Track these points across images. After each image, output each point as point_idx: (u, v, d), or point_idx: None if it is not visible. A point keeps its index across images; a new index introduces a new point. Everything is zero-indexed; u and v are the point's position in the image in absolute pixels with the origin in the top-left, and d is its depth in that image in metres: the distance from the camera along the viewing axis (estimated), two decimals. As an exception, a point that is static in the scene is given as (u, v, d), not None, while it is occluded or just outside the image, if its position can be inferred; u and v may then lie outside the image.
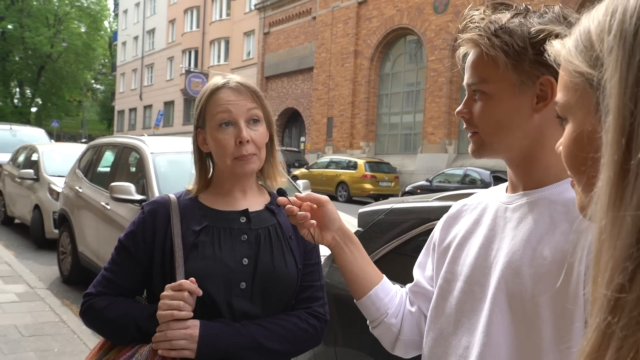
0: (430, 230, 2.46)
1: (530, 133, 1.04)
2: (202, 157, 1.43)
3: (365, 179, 18.67)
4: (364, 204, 16.46)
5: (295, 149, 27.19)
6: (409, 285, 1.33)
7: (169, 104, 44.34)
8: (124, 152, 6.23)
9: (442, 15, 21.41)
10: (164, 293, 1.26)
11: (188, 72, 33.20)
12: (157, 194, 5.04)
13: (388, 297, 1.26)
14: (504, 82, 1.02)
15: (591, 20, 0.60)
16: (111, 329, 1.37)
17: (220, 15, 38.67)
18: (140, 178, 5.56)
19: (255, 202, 1.44)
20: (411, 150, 23.08)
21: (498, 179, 15.60)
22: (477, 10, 1.07)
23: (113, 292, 1.39)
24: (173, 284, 1.26)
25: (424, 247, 1.33)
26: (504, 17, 1.03)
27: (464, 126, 1.12)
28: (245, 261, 1.34)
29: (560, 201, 1.02)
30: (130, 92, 51.63)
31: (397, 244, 2.41)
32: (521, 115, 1.03)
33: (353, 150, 24.60)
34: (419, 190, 16.82)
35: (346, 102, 25.23)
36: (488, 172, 16.05)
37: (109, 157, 6.85)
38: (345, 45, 25.53)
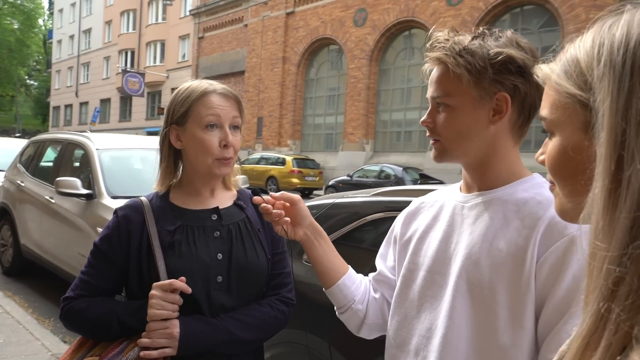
0: (369, 223, 2.54)
1: (486, 142, 1.07)
2: (170, 154, 1.36)
3: (293, 174, 18.67)
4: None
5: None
6: (372, 274, 1.34)
7: (105, 101, 42.09)
8: (68, 147, 5.85)
9: (361, 28, 21.74)
10: (154, 292, 1.21)
11: (125, 71, 31.63)
12: (103, 189, 4.80)
13: (354, 285, 1.27)
14: (465, 96, 1.04)
15: (578, 50, 0.62)
16: (94, 328, 1.30)
17: (156, 19, 37.10)
18: (85, 173, 5.27)
19: (223, 199, 1.40)
20: (333, 148, 23.31)
21: (419, 177, 16.07)
22: (441, 31, 1.08)
23: (91, 293, 1.33)
24: (162, 282, 1.22)
25: (385, 240, 1.34)
26: (465, 39, 1.05)
27: (427, 134, 1.13)
28: (220, 256, 1.31)
29: (511, 201, 1.05)
30: (66, 88, 48.50)
31: (340, 235, 2.44)
32: (479, 126, 1.05)
33: (281, 147, 24.52)
34: (340, 184, 17.04)
35: (275, 103, 25.06)
36: (401, 169, 16.51)
37: (52, 152, 6.42)
38: (274, 51, 25.33)
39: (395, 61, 21.38)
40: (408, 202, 2.34)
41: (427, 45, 1.09)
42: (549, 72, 0.66)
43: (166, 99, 35.18)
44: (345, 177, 17.72)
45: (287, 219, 1.20)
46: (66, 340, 4.39)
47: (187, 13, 33.07)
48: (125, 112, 40.20)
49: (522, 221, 1.02)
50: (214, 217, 1.35)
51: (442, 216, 1.16)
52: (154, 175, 5.27)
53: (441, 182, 3.59)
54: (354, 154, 21.67)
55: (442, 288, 1.09)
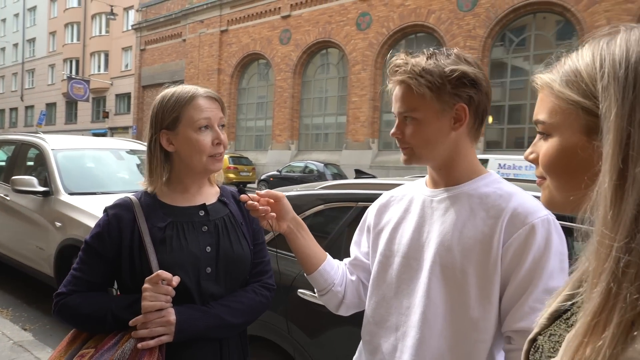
0: (318, 213, 2.50)
1: (450, 146, 1.06)
2: (161, 157, 1.25)
3: (230, 170, 18.16)
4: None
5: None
6: (347, 260, 1.31)
7: (51, 105, 38.52)
8: (22, 148, 5.25)
9: (286, 46, 21.59)
10: (146, 286, 1.12)
11: (70, 78, 29.06)
12: (60, 186, 4.37)
13: (333, 270, 1.23)
14: (429, 109, 1.03)
15: (577, 63, 0.61)
16: (89, 322, 1.18)
17: (100, 32, 34.44)
18: (40, 171, 4.77)
19: (208, 195, 1.31)
20: (263, 148, 23.02)
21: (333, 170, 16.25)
22: (395, 56, 1.07)
23: (83, 288, 1.21)
24: (151, 276, 1.12)
25: (357, 229, 1.31)
26: (421, 60, 1.03)
27: (398, 144, 1.11)
28: (208, 249, 1.23)
29: (476, 195, 1.05)
30: (11, 93, 43.75)
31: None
32: (443, 133, 1.05)
33: (218, 147, 23.84)
34: (271, 178, 16.90)
35: (212, 109, 24.29)
36: (322, 164, 16.64)
37: (2, 153, 5.76)
38: (210, 64, 24.49)
39: (315, 74, 21.47)
40: (347, 194, 2.33)
41: (389, 68, 1.07)
42: (550, 82, 0.64)
43: (111, 104, 32.93)
44: (275, 172, 17.56)
45: (273, 214, 1.15)
46: (26, 328, 3.96)
47: (130, 27, 31.10)
48: (71, 115, 37.09)
49: (487, 212, 1.02)
50: (202, 213, 1.27)
51: (413, 209, 1.14)
52: (108, 173, 4.91)
53: (373, 176, 3.69)
54: (281, 152, 21.53)
55: (417, 272, 1.08)
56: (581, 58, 0.61)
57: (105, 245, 1.20)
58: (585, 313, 0.53)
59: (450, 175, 1.09)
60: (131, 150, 5.46)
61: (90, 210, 3.98)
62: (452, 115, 1.03)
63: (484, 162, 11.33)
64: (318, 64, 21.39)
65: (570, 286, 0.68)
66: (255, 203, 1.14)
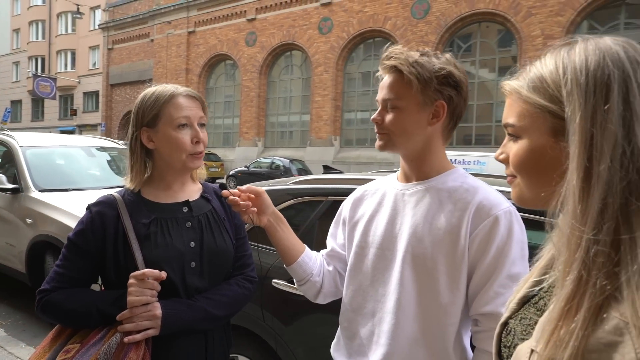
0: (288, 207, 2.47)
1: (424, 139, 1.06)
2: (142, 154, 1.20)
3: (199, 165, 17.81)
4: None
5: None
6: (324, 251, 1.29)
7: (16, 102, 36.20)
8: (-11, 145, 4.92)
9: (252, 47, 21.24)
10: (131, 281, 1.07)
11: (36, 76, 27.34)
12: (30, 183, 4.12)
13: (311, 261, 1.22)
14: (412, 100, 1.03)
15: (542, 70, 0.62)
16: (73, 318, 1.12)
17: (66, 30, 32.52)
18: (7, 168, 4.48)
19: (191, 192, 1.26)
20: (231, 145, 22.63)
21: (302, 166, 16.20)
22: (396, 46, 1.07)
23: (67, 284, 1.14)
24: (136, 273, 1.07)
25: (333, 222, 1.30)
26: (415, 55, 1.04)
27: (376, 129, 1.10)
28: (192, 244, 1.19)
29: (444, 189, 1.06)
30: (-26, 90, 40.98)
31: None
32: (420, 125, 1.05)
33: (187, 144, 23.21)
34: (240, 174, 16.64)
35: (180, 107, 23.58)
36: (288, 160, 16.54)
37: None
38: (178, 63, 23.72)
39: (280, 75, 21.26)
40: (317, 189, 2.31)
41: (384, 55, 1.06)
42: (518, 88, 0.65)
43: (79, 102, 31.34)
44: (243, 168, 17.29)
45: (254, 208, 1.13)
46: (-2, 324, 3.72)
47: (97, 27, 29.62)
48: (38, 112, 35.01)
49: (454, 205, 1.03)
50: (185, 209, 1.22)
51: (386, 202, 1.14)
52: (78, 170, 4.63)
53: (341, 172, 3.54)
54: (249, 149, 21.23)
55: (391, 261, 1.08)
56: (545, 66, 0.62)
57: (89, 242, 1.14)
58: (558, 299, 0.54)
59: (421, 169, 1.09)
60: (101, 147, 5.22)
61: (62, 207, 3.77)
62: (431, 110, 1.04)
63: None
64: (283, 65, 21.19)
65: (536, 273, 0.70)
66: (237, 198, 1.11)
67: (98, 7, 29.92)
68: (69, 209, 3.71)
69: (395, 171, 1.25)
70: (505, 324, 0.71)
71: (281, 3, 20.22)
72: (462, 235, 1.00)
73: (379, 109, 1.09)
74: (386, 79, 1.07)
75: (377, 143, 1.11)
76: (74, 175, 4.59)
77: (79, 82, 31.05)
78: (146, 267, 1.10)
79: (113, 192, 1.22)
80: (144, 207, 1.18)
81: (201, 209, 1.25)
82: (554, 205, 0.58)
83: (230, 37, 21.94)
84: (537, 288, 0.68)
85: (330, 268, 1.25)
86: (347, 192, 1.83)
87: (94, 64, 30.80)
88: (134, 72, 26.45)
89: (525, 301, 0.70)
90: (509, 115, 0.67)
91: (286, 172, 15.35)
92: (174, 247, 1.15)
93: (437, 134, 1.07)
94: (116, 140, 5.69)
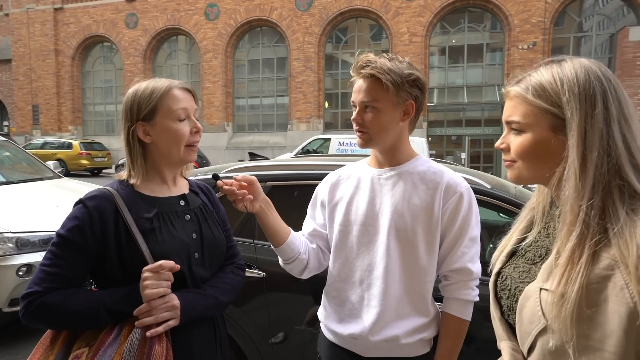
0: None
1: (397, 133, 1.17)
2: (139, 148, 1.16)
3: (82, 156, 16.24)
4: (83, 176, 14.46)
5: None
6: (305, 231, 1.34)
7: None
8: None
9: (133, 30, 19.83)
10: (146, 275, 1.03)
11: None
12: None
13: (297, 241, 1.27)
14: (388, 102, 1.13)
15: (541, 79, 0.72)
16: (77, 320, 1.03)
17: None
18: None
19: (182, 186, 1.26)
20: (115, 132, 20.95)
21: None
22: (363, 55, 1.16)
23: (62, 285, 1.04)
24: (152, 265, 1.04)
25: (310, 205, 1.36)
26: (385, 61, 1.12)
27: (356, 127, 1.17)
28: (194, 236, 1.18)
29: (415, 173, 1.18)
30: None
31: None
32: (395, 122, 1.15)
33: (62, 132, 20.84)
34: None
35: (51, 92, 20.95)
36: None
37: None
38: (44, 43, 20.93)
39: (166, 61, 20.39)
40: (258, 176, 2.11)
41: (358, 63, 1.14)
42: (523, 93, 0.74)
43: None
44: (133, 157, 16.35)
45: (250, 196, 1.17)
46: None
47: None
48: None
49: (426, 185, 1.16)
50: (182, 202, 1.21)
51: (363, 185, 1.23)
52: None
53: (267, 158, 3.23)
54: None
55: (374, 235, 1.17)
56: (542, 76, 0.72)
57: (87, 238, 1.05)
58: (565, 249, 0.65)
59: (394, 157, 1.20)
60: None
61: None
62: (403, 108, 1.14)
63: (327, 140, 11.57)
64: (167, 50, 20.31)
65: (517, 233, 0.83)
66: (233, 188, 1.15)
67: None
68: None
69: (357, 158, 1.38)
70: (499, 273, 0.81)
71: (163, -15, 19.28)
72: (436, 209, 1.13)
73: (357, 110, 1.16)
74: (362, 83, 1.14)
75: (359, 141, 1.18)
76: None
77: None
78: (154, 261, 1.06)
79: (105, 186, 1.16)
80: (140, 201, 1.14)
81: (195, 202, 1.24)
82: (552, 183, 0.71)
83: (107, 17, 20.16)
84: (523, 245, 0.80)
85: (314, 246, 1.30)
86: (285, 178, 2.09)
87: None
88: (-14, 51, 22.64)
89: (511, 255, 0.81)
90: (514, 114, 0.76)
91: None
92: (180, 239, 1.14)
93: (405, 128, 1.18)
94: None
